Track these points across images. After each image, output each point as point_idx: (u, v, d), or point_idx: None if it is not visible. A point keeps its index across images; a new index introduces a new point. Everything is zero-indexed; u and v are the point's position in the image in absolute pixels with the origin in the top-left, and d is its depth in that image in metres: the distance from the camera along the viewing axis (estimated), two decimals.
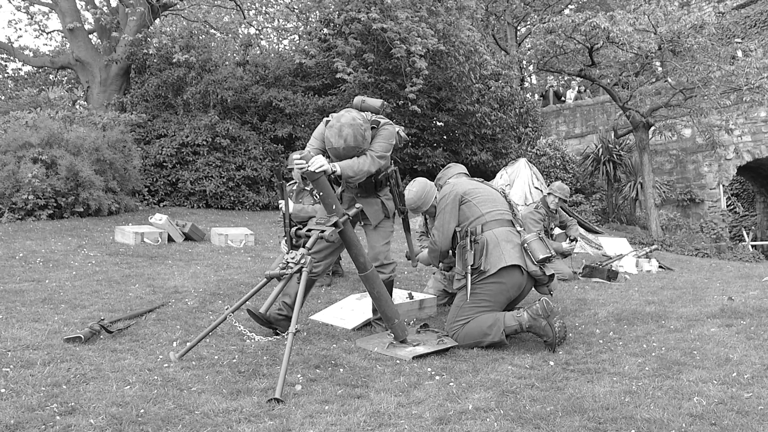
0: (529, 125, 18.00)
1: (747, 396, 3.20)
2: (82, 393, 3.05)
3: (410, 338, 4.17)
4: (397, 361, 3.83)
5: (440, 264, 5.38)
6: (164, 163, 13.03)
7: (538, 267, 4.29)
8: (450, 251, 4.81)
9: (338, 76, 13.32)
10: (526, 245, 4.33)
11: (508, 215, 4.53)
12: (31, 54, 17.82)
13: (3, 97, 18.21)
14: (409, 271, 7.20)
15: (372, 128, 4.23)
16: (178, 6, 16.00)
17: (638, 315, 5.19)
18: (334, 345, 4.15)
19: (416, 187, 5.17)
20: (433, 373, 3.62)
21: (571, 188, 16.96)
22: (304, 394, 3.21)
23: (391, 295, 4.44)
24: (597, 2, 23.31)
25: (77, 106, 13.50)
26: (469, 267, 4.28)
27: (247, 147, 13.78)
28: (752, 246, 18.29)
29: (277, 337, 3.85)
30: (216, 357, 3.73)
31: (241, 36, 17.66)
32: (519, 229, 4.52)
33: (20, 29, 26.15)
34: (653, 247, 9.33)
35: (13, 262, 6.53)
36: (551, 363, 3.84)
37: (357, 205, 4.14)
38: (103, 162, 10.39)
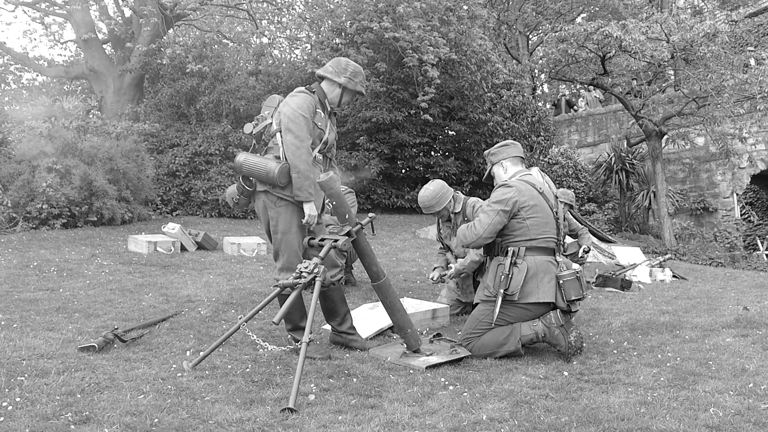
0: (541, 134, 17.97)
1: (764, 407, 3.17)
2: (96, 402, 3.06)
3: (423, 348, 4.17)
4: (411, 371, 3.82)
5: (450, 269, 5.39)
6: (177, 173, 13.08)
7: (566, 305, 4.18)
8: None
9: None
10: (561, 281, 4.18)
11: (554, 242, 4.33)
12: (46, 64, 17.99)
13: (18, 107, 18.37)
14: (421, 280, 7.18)
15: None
16: (192, 16, 16.11)
17: (652, 325, 5.15)
18: (347, 355, 4.15)
19: (433, 186, 5.31)
20: (446, 383, 3.60)
21: (583, 197, 16.97)
22: (318, 404, 3.21)
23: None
24: (609, 11, 23.28)
25: (91, 116, 13.58)
26: (502, 291, 4.13)
27: None
28: (767, 255, 18.14)
29: (290, 346, 3.85)
30: (229, 366, 3.73)
31: (253, 45, 17.75)
32: (559, 259, 4.37)
33: (35, 39, 26.48)
34: (667, 256, 9.28)
35: (27, 270, 6.57)
36: (565, 373, 3.82)
37: (370, 215, 4.15)
38: (117, 171, 10.45)
